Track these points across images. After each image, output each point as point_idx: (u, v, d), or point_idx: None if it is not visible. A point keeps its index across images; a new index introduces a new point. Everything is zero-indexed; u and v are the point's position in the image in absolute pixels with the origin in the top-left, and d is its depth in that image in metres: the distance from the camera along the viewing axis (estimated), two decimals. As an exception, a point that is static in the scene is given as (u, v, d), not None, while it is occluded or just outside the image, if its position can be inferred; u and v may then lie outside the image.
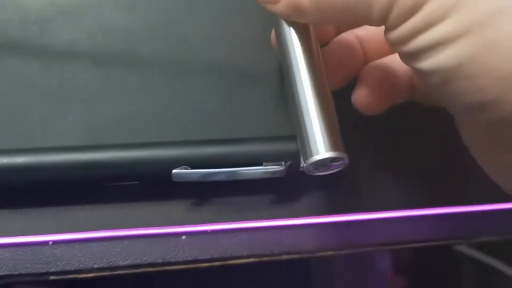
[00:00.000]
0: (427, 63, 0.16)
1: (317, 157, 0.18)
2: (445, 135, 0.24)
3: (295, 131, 0.20)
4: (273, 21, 0.21)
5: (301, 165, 0.23)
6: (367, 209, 0.25)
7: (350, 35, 0.23)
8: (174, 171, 0.22)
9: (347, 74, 0.23)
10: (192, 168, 0.23)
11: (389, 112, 0.23)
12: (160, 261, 0.23)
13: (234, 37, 0.27)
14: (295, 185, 0.25)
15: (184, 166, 0.23)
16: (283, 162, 0.23)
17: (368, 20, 0.17)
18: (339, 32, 0.23)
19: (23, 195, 0.23)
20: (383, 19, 0.17)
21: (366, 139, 0.26)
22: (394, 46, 0.18)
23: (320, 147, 0.18)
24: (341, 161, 0.19)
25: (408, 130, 0.26)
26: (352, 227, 0.25)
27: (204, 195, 0.24)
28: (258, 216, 0.24)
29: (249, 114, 0.26)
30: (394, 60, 0.22)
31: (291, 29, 0.20)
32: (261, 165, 0.23)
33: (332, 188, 0.25)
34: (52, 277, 0.23)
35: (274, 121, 0.26)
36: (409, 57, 0.17)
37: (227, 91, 0.26)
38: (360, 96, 0.22)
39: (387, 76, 0.22)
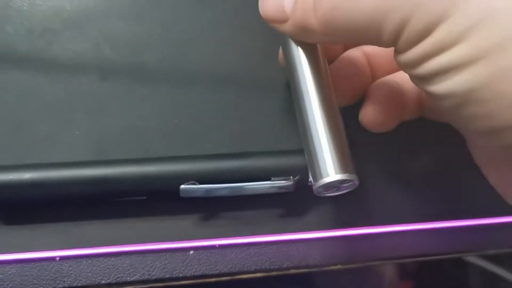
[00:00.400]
0: (438, 87, 0.16)
1: (327, 180, 0.18)
2: (453, 148, 0.24)
3: (304, 151, 0.20)
4: (280, 38, 0.21)
5: (309, 179, 0.23)
6: (375, 222, 0.25)
7: (358, 52, 0.23)
8: (182, 186, 0.22)
9: (355, 92, 0.22)
10: (200, 183, 0.23)
11: (398, 125, 0.23)
12: (167, 276, 0.23)
13: (242, 49, 0.26)
14: (303, 199, 0.24)
15: (192, 182, 0.22)
16: (291, 177, 0.23)
17: (378, 42, 0.17)
18: (346, 48, 0.23)
19: (30, 211, 0.23)
20: (393, 42, 0.16)
21: (374, 152, 0.26)
22: (404, 68, 0.17)
23: (330, 170, 0.18)
24: (351, 183, 0.19)
25: (416, 143, 0.26)
26: (361, 241, 0.25)
27: (211, 210, 0.24)
28: (266, 231, 0.24)
29: (257, 127, 0.25)
30: (402, 77, 0.22)
31: (299, 47, 0.20)
32: (269, 179, 0.23)
33: (340, 202, 0.25)
34: (59, 293, 0.23)
35: (282, 134, 0.25)
36: (420, 80, 0.17)
37: (235, 104, 0.26)
38: (368, 115, 0.22)
39: (395, 94, 0.22)
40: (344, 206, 0.25)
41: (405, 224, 0.25)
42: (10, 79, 0.25)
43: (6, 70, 0.25)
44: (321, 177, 0.18)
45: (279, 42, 0.23)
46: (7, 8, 0.26)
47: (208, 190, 0.22)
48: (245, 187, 0.23)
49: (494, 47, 0.14)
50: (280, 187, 0.23)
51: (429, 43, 0.15)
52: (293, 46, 0.20)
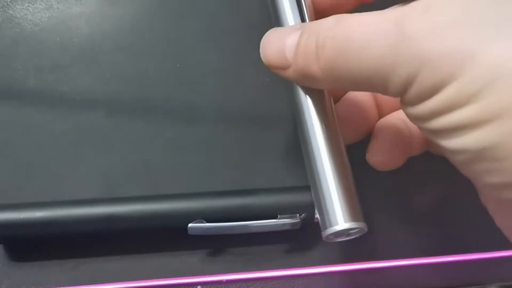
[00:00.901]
0: (449, 142, 0.15)
1: (336, 228, 0.18)
2: (459, 183, 0.24)
3: (313, 195, 0.20)
4: (284, 82, 0.21)
5: (315, 216, 0.23)
6: (381, 257, 0.25)
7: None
8: (190, 225, 0.23)
9: (360, 131, 0.22)
10: (208, 220, 0.23)
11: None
12: (175, 311, 0.24)
13: (248, 85, 0.27)
14: (309, 234, 0.25)
15: (200, 220, 0.23)
16: (298, 215, 0.23)
17: (384, 93, 0.17)
18: None
19: (40, 248, 0.24)
20: (400, 95, 0.16)
21: (378, 187, 0.26)
22: (412, 121, 0.17)
23: (339, 218, 0.18)
24: (360, 229, 0.19)
25: (422, 177, 0.26)
26: (366, 275, 0.25)
27: (218, 245, 0.24)
28: (272, 266, 0.24)
29: (263, 163, 0.26)
30: None
31: (303, 90, 0.20)
32: (276, 217, 0.23)
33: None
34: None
35: (288, 170, 0.26)
36: (430, 134, 0.17)
37: (241, 140, 0.26)
38: (375, 155, 0.22)
39: (402, 132, 0.22)
40: (348, 241, 0.25)
41: (410, 259, 0.25)
42: (19, 115, 0.25)
43: (14, 106, 0.25)
44: (331, 225, 0.19)
45: (284, 80, 0.23)
46: (16, 44, 0.26)
47: (216, 229, 0.23)
48: (252, 225, 0.23)
49: (505, 109, 0.14)
50: (287, 225, 0.23)
51: (437, 100, 0.15)
52: (298, 89, 0.20)
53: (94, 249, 0.24)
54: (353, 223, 0.18)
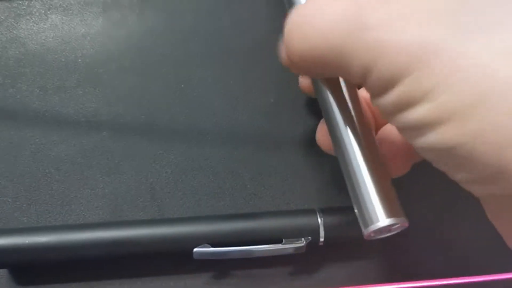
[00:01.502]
0: (415, 141, 0.15)
1: (379, 225, 0.18)
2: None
3: (350, 195, 0.20)
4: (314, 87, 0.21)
5: (320, 239, 0.23)
6: (387, 279, 0.25)
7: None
8: (195, 249, 0.23)
9: None
10: (213, 244, 0.23)
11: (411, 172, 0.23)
12: (180, 335, 0.24)
13: (253, 107, 0.26)
14: (314, 257, 0.25)
15: (205, 244, 0.23)
16: (303, 239, 0.23)
17: (348, 78, 0.17)
18: None
19: (44, 272, 0.24)
20: (362, 83, 0.16)
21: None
22: (382, 115, 0.17)
23: (381, 215, 0.18)
24: (400, 224, 0.19)
25: (426, 194, 0.26)
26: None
27: (223, 268, 0.24)
28: (277, 289, 0.24)
29: (269, 185, 0.26)
30: None
31: (328, 89, 0.20)
32: (281, 241, 0.23)
33: (350, 260, 0.25)
34: None
35: (294, 192, 0.26)
36: (399, 131, 0.16)
37: (246, 162, 0.26)
38: None
39: (402, 141, 0.22)
40: (353, 263, 0.25)
41: (415, 282, 0.25)
42: (24, 136, 0.25)
43: (20, 128, 0.25)
44: (372, 223, 0.18)
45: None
46: (21, 66, 0.26)
47: (221, 253, 0.23)
48: (257, 250, 0.23)
49: (462, 111, 0.13)
50: (292, 249, 0.23)
51: (395, 94, 0.15)
52: (323, 87, 0.20)
53: (98, 273, 0.24)
54: (394, 218, 0.18)
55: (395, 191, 0.19)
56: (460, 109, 0.13)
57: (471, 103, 0.13)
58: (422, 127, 0.14)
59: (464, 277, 0.26)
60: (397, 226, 0.19)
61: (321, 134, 0.23)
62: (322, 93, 0.20)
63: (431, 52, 0.14)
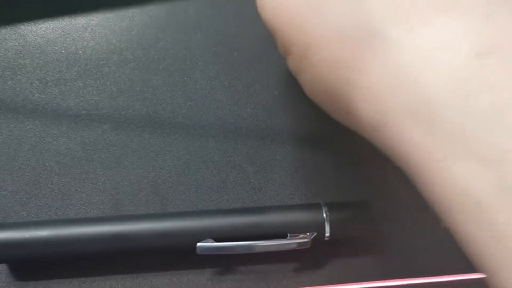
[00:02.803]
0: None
1: None
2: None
3: None
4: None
5: (326, 235, 0.23)
6: (393, 276, 0.25)
7: None
8: (198, 244, 0.22)
9: None
10: (216, 239, 0.22)
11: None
12: (183, 331, 0.23)
13: (256, 101, 0.26)
14: (319, 252, 0.24)
15: (208, 239, 0.22)
16: (308, 233, 0.23)
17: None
18: None
19: (44, 267, 0.23)
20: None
21: (389, 205, 0.25)
22: None
23: None
24: None
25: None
26: (376, 294, 0.24)
27: (226, 264, 0.24)
28: (282, 285, 0.24)
29: (273, 180, 0.25)
30: None
31: None
32: (285, 235, 0.23)
33: (356, 256, 0.25)
34: None
35: (298, 186, 0.25)
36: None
37: (250, 156, 0.25)
38: None
39: None
40: (359, 259, 0.25)
41: (422, 278, 0.25)
42: (23, 130, 0.25)
43: (20, 121, 0.25)
44: None
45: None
46: (20, 57, 0.26)
47: (224, 248, 0.22)
48: (261, 245, 0.22)
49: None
50: (297, 244, 0.23)
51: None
52: None
53: (99, 268, 0.23)
54: None
55: None
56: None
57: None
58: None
59: (473, 274, 0.25)
60: None
61: None
62: None
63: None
